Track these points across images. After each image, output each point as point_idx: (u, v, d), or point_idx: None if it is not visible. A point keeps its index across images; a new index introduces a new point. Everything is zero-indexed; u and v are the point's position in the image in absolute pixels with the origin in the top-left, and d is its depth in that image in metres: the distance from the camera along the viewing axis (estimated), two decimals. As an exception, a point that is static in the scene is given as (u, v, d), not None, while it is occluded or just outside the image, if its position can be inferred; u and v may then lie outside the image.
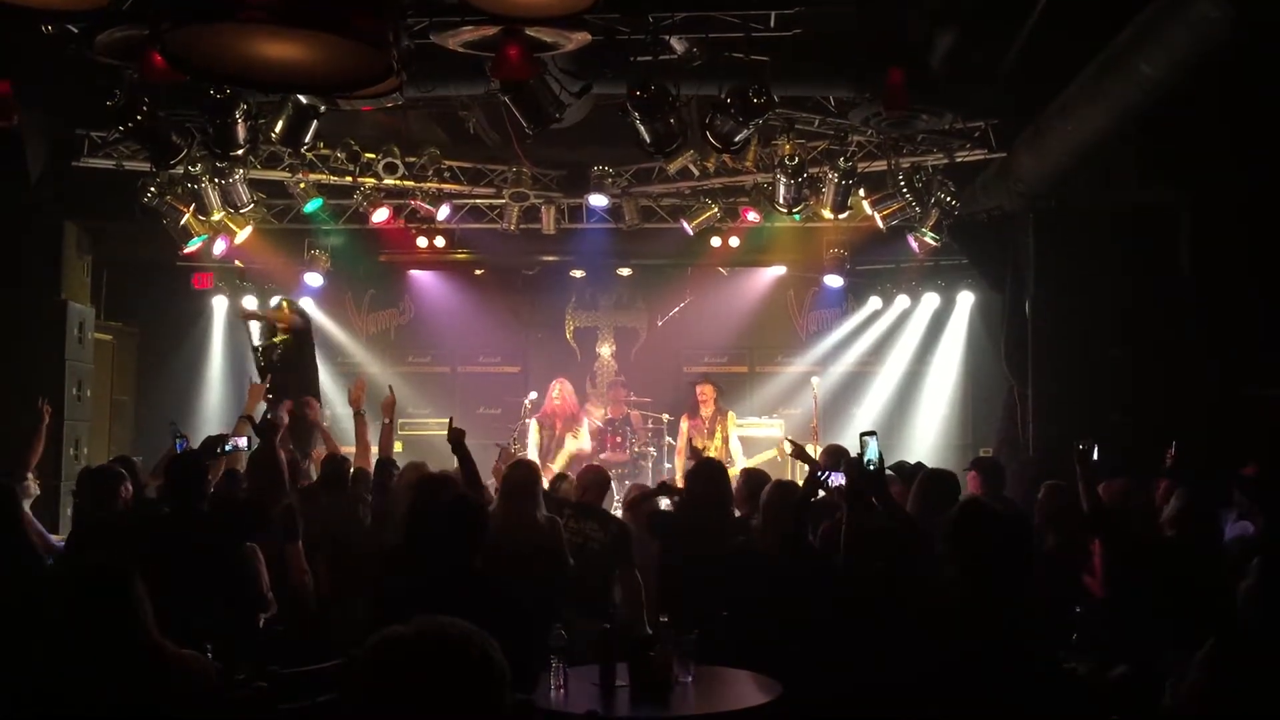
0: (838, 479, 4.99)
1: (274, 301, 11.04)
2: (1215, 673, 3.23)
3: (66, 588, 3.13)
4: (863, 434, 4.65)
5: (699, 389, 10.68)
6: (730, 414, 10.72)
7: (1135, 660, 4.35)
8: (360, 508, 6.52)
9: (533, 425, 10.73)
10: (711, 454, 9.53)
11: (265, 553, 5.69)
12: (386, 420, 7.23)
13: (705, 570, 5.58)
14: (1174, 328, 8.70)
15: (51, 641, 3.06)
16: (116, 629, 3.05)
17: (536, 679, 4.25)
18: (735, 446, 10.46)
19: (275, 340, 9.32)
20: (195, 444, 6.68)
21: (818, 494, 5.37)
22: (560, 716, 4.14)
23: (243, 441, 6.37)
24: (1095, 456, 5.56)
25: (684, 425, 10.54)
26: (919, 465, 6.63)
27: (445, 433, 6.09)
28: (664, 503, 6.84)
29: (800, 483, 5.87)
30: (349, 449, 7.80)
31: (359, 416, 7.61)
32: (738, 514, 6.38)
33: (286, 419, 7.43)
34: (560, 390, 10.78)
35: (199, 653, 3.42)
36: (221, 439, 6.33)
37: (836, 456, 6.58)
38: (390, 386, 7.45)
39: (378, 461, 6.95)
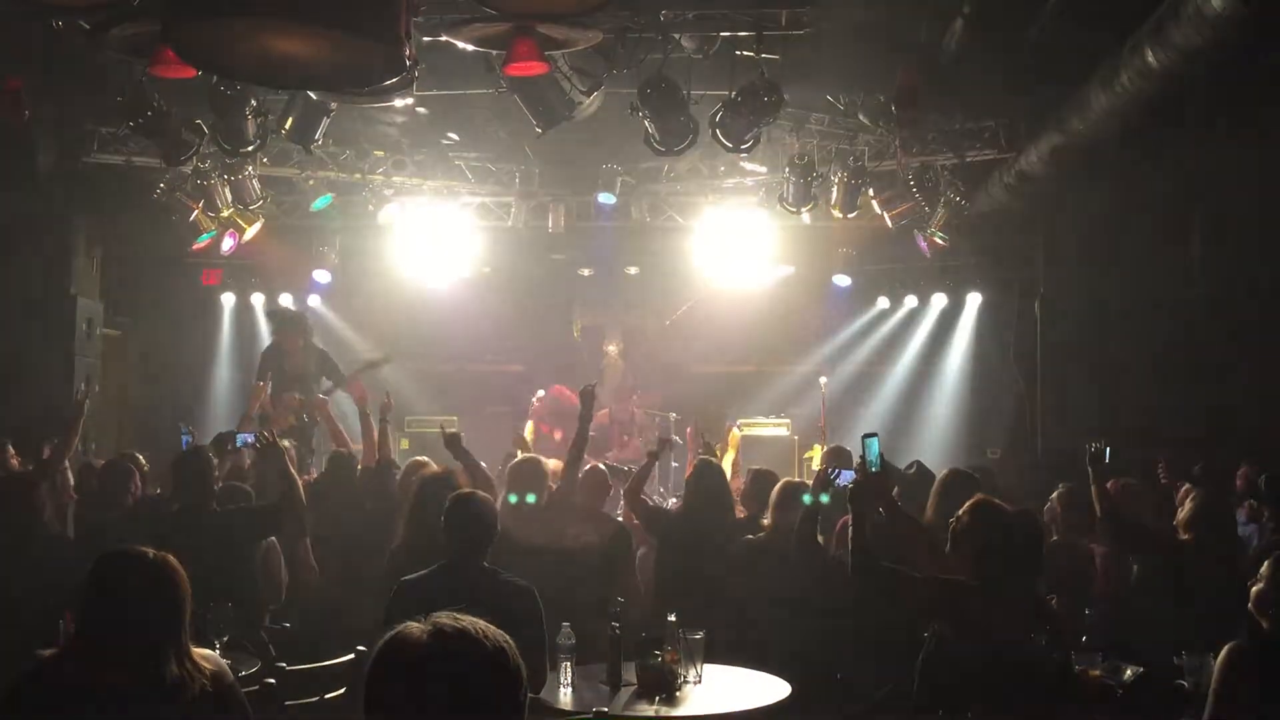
0: (847, 477, 4.98)
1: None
2: (1233, 677, 3.21)
3: (124, 576, 3.11)
4: (864, 436, 4.63)
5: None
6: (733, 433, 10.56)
7: (1147, 662, 4.33)
8: (366, 505, 6.52)
9: (528, 427, 10.74)
10: None
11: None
12: (383, 420, 7.26)
13: (708, 569, 5.58)
14: (1185, 328, 8.68)
15: (94, 625, 3.05)
16: (166, 624, 3.05)
17: (544, 677, 4.25)
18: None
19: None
20: (204, 440, 6.70)
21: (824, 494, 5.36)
22: (568, 715, 4.13)
23: (251, 438, 6.38)
24: (1107, 459, 5.55)
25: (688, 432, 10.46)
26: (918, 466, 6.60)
27: (452, 431, 6.12)
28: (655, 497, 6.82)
29: (808, 482, 5.86)
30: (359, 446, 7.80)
31: (364, 416, 7.61)
32: (745, 513, 6.37)
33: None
34: (542, 394, 10.83)
35: (208, 650, 3.41)
36: (231, 436, 6.35)
37: (838, 458, 6.56)
38: (388, 393, 7.45)
39: (376, 465, 6.95)
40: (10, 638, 4.24)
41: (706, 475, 6.10)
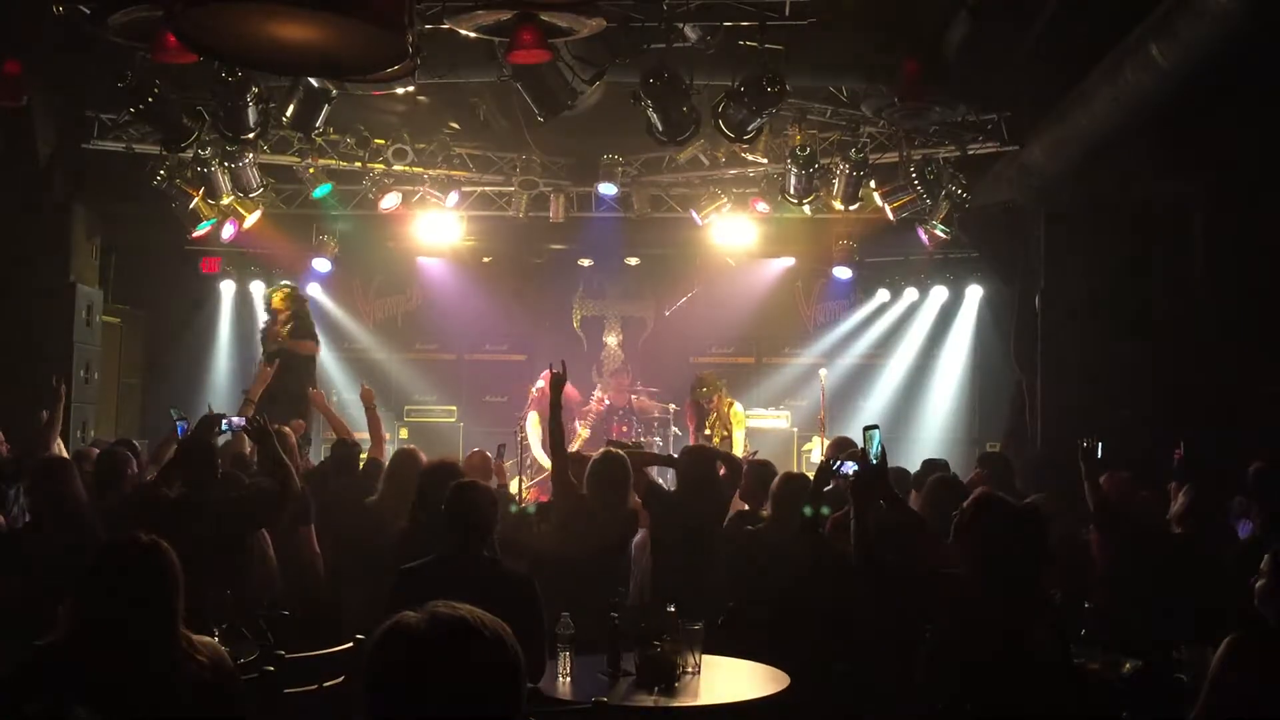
0: (849, 467, 4.97)
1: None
2: (1231, 669, 3.21)
3: (116, 562, 3.12)
4: (866, 428, 4.63)
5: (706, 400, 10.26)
6: (735, 409, 10.41)
7: (1144, 656, 4.33)
8: (368, 493, 6.50)
9: (532, 418, 10.69)
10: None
11: (277, 535, 5.69)
12: (371, 409, 7.43)
13: (704, 559, 5.58)
14: (1186, 323, 8.67)
15: (87, 613, 3.05)
16: (157, 609, 3.05)
17: (543, 667, 4.25)
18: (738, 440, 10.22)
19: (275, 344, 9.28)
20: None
21: (828, 484, 5.36)
22: (567, 705, 4.13)
23: (240, 420, 6.29)
24: (1100, 454, 5.54)
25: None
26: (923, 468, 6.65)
27: (450, 420, 6.12)
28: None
29: (809, 474, 5.85)
30: (361, 434, 7.82)
31: (370, 411, 7.65)
32: (745, 507, 6.36)
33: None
34: (542, 384, 10.62)
35: (206, 637, 3.41)
36: (219, 418, 6.25)
37: (843, 449, 6.56)
38: (364, 384, 7.90)
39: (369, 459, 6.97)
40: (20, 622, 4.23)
41: (694, 461, 6.09)
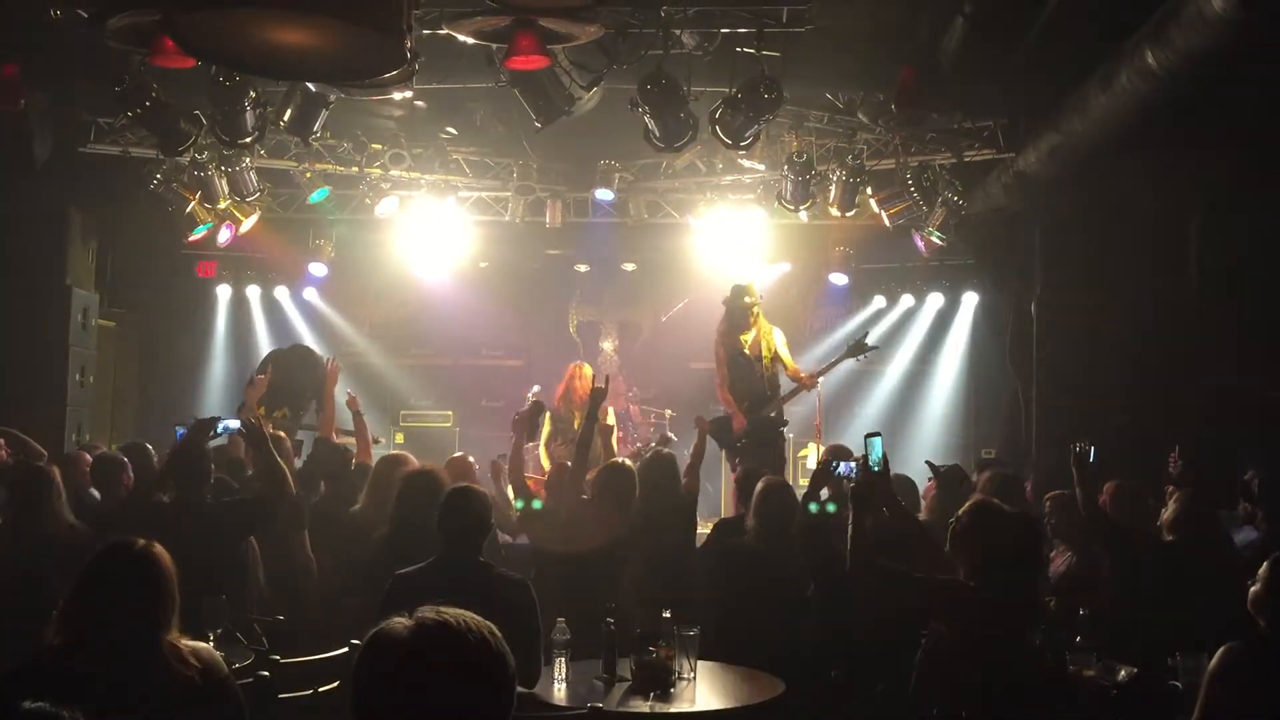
0: (847, 468, 4.98)
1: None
2: (1227, 677, 3.21)
3: (106, 565, 3.11)
4: (867, 435, 4.64)
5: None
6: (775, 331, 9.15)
7: (1140, 663, 4.33)
8: (358, 498, 6.48)
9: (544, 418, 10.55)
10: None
11: (271, 540, 5.68)
12: (358, 415, 7.56)
13: (679, 567, 5.59)
14: (1181, 330, 8.69)
15: (79, 617, 3.04)
16: (150, 614, 3.04)
17: (539, 671, 4.25)
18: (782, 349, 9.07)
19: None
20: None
21: (823, 487, 5.37)
22: (562, 710, 4.13)
23: (234, 423, 6.25)
24: (1092, 459, 5.54)
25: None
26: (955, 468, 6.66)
27: (446, 425, 6.11)
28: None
29: (803, 482, 5.85)
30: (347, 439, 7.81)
31: (357, 417, 7.65)
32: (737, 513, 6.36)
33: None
34: (581, 374, 10.10)
35: (201, 643, 3.40)
36: (213, 422, 6.22)
37: (838, 456, 6.57)
38: (350, 393, 7.99)
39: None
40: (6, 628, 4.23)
41: (653, 469, 6.09)
